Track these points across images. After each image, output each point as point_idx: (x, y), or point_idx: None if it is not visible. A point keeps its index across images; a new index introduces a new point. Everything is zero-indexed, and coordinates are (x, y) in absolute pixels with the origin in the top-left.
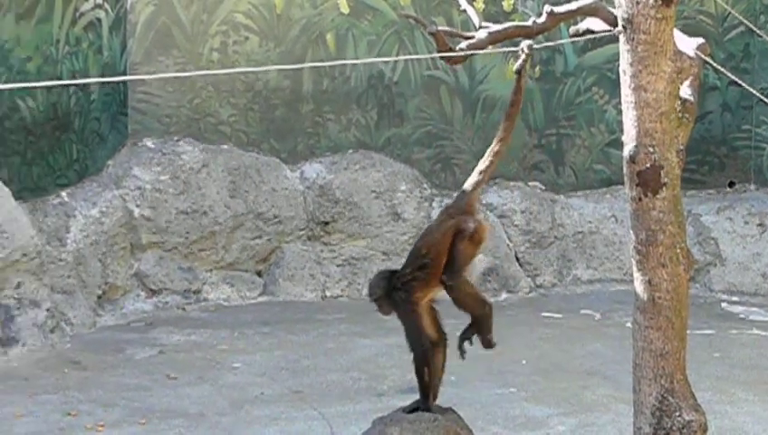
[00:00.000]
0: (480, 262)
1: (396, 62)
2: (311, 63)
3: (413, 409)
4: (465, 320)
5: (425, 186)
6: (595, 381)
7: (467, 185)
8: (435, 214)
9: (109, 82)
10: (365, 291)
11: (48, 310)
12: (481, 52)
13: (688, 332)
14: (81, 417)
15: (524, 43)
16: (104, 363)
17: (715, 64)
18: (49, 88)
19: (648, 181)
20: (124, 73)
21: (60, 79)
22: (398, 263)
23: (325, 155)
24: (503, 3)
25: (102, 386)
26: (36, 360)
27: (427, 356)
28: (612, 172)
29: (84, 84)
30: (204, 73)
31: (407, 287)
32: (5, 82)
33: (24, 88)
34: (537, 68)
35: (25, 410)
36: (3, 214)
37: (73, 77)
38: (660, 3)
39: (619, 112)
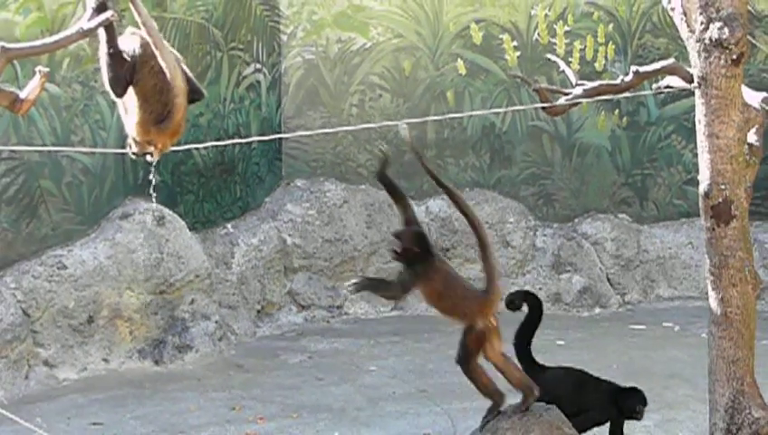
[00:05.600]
0: (577, 282)
1: (505, 114)
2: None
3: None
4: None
5: (529, 218)
6: (675, 383)
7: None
8: (538, 241)
9: (267, 134)
10: None
11: (216, 322)
12: (576, 102)
13: (756, 342)
14: (244, 411)
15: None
16: (263, 367)
17: None
18: (218, 138)
19: (720, 214)
20: (279, 126)
21: (226, 131)
22: (506, 282)
23: None
24: (595, 64)
25: (261, 386)
26: (207, 364)
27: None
28: (689, 206)
29: (247, 136)
30: (346, 129)
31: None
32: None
33: (198, 142)
34: (624, 118)
35: (197, 405)
36: (179, 243)
37: (237, 130)
38: (730, 63)
39: (695, 156)
